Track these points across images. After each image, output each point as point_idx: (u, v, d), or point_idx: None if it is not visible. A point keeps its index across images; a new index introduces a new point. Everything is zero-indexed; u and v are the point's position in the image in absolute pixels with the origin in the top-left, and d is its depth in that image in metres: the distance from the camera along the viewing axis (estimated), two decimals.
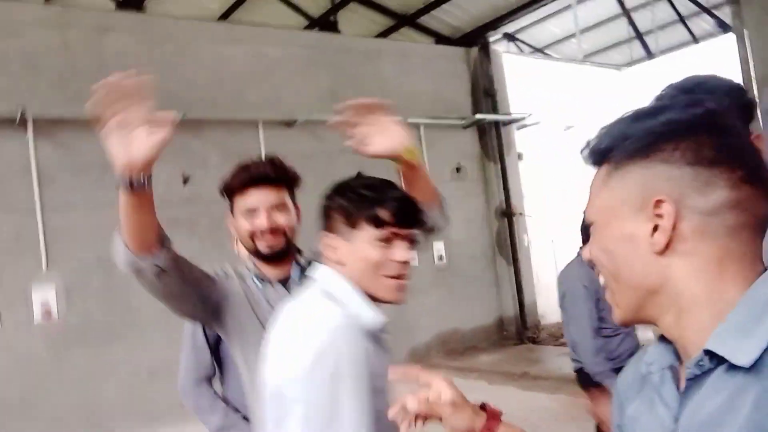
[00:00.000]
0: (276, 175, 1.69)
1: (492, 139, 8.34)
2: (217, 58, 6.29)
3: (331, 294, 1.21)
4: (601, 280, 0.77)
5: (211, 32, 6.49)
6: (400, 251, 1.22)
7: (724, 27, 10.98)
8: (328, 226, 1.26)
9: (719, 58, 9.62)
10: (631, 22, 11.32)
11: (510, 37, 11.90)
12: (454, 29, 8.39)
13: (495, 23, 8.27)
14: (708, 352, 0.62)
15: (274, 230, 1.63)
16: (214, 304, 1.61)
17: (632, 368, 0.81)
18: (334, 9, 7.67)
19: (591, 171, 0.77)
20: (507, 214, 8.27)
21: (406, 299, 1.26)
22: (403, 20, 8.10)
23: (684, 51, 10.95)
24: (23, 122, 5.16)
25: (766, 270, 0.65)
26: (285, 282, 1.66)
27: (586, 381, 2.78)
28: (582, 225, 3.00)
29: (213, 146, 5.80)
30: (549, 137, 9.17)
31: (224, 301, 1.62)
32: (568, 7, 10.80)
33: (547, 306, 8.09)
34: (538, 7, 8.16)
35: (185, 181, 5.42)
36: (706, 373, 0.63)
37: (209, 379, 2.01)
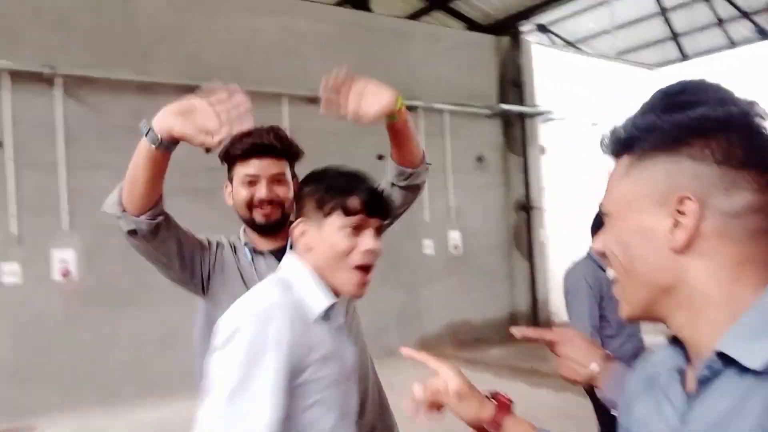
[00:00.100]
0: (282, 146, 1.69)
1: (516, 131, 8.25)
2: (247, 28, 6.28)
3: (285, 279, 1.24)
4: (610, 273, 0.75)
5: (243, 1, 6.47)
6: (368, 239, 1.24)
7: (762, 33, 10.72)
8: (300, 212, 1.29)
9: (756, 64, 9.41)
10: (668, 22, 11.08)
11: (543, 28, 11.72)
12: (486, 16, 8.28)
13: (528, 13, 8.14)
14: (719, 354, 0.62)
15: (272, 201, 1.64)
16: (205, 272, 1.63)
17: (640, 370, 0.80)
18: None
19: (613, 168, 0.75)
20: (526, 207, 8.22)
21: (364, 294, 1.28)
22: (436, 3, 8.01)
23: (720, 55, 10.72)
24: (51, 78, 5.20)
25: None
26: (277, 253, 1.65)
27: None
28: (593, 223, 2.98)
29: None
30: (574, 132, 9.06)
31: (216, 269, 1.64)
32: (604, 2, 10.60)
33: (561, 303, 8.02)
34: (574, 0, 8.01)
35: (207, 150, 5.40)
36: (716, 374, 0.63)
37: None
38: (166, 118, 1.31)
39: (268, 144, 1.66)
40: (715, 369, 0.62)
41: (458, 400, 1.00)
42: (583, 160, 8.64)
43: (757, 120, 0.67)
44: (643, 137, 0.69)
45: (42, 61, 5.13)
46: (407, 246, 7.19)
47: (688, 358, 0.71)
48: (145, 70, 5.55)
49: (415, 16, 8.10)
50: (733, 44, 11.30)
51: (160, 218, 1.49)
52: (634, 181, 0.70)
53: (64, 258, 5.24)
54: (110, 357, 5.34)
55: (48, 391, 5.05)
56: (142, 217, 1.45)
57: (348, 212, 1.22)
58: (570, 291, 2.93)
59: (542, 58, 8.86)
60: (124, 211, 1.44)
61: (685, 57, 11.36)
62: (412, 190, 1.69)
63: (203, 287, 1.65)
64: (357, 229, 1.23)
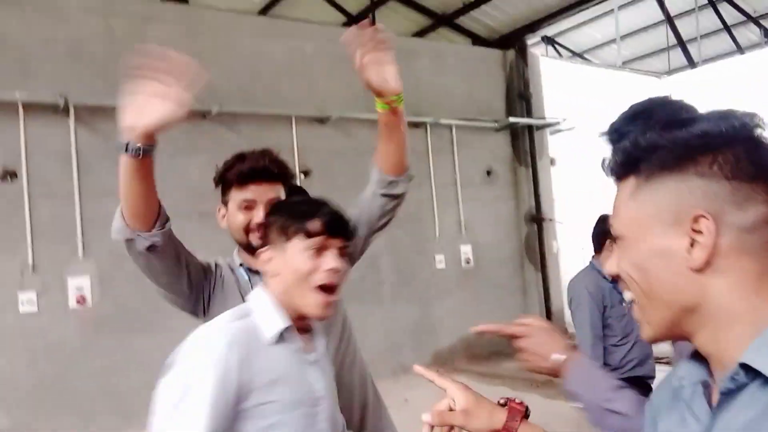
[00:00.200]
0: (278, 171, 1.71)
1: (524, 143, 8.25)
2: (255, 52, 6.36)
3: (245, 306, 1.31)
4: (627, 295, 0.75)
5: (251, 26, 6.56)
6: (330, 260, 1.27)
7: None
8: (266, 239, 1.33)
9: (764, 68, 9.37)
10: (674, 29, 11.07)
11: (549, 40, 11.77)
12: (492, 31, 8.33)
13: (533, 26, 8.18)
14: (743, 366, 0.61)
15: None
16: (206, 292, 1.66)
17: (666, 384, 0.79)
18: (373, 6, 7.68)
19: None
20: (537, 219, 8.18)
21: (330, 315, 1.32)
22: (441, 20, 8.07)
23: (727, 60, 10.68)
24: (66, 109, 5.28)
25: None
26: None
27: None
28: (593, 233, 3.00)
29: (247, 139, 5.86)
30: (583, 143, 9.04)
31: (216, 290, 1.66)
32: (609, 12, 10.63)
33: None
34: (578, 11, 8.05)
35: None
36: (740, 387, 0.62)
37: None
38: (132, 124, 1.31)
39: (265, 169, 1.68)
40: (739, 381, 0.62)
41: (466, 417, 0.99)
42: (593, 169, 8.57)
43: (759, 131, 0.66)
44: (647, 157, 0.69)
45: (54, 92, 5.22)
46: (419, 261, 7.17)
47: (711, 372, 0.70)
48: None
49: (421, 33, 8.16)
50: (740, 49, 11.26)
51: (169, 224, 1.51)
52: (643, 203, 0.69)
53: (79, 285, 5.28)
54: (126, 382, 5.35)
55: (65, 416, 5.06)
56: (154, 230, 1.47)
57: (309, 234, 1.26)
58: (573, 300, 2.97)
59: (549, 70, 8.88)
60: (134, 231, 1.46)
61: (692, 64, 11.33)
62: (392, 200, 1.70)
63: (204, 308, 1.67)
64: (319, 251, 1.27)
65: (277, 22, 6.88)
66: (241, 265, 1.71)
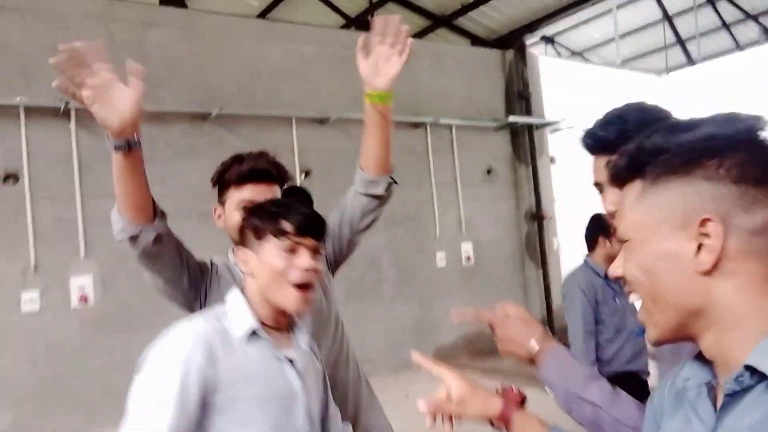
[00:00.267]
0: (277, 172, 1.73)
1: (524, 142, 8.27)
2: (255, 55, 6.38)
3: (220, 307, 1.36)
4: (632, 298, 0.75)
5: (250, 29, 6.58)
6: (303, 259, 1.31)
7: None
8: (242, 241, 1.38)
9: (763, 66, 9.37)
10: (673, 28, 11.08)
11: (548, 40, 11.77)
12: (491, 31, 8.34)
13: (532, 26, 8.18)
14: (749, 368, 0.61)
15: None
16: (202, 289, 1.68)
17: (668, 384, 0.80)
18: (372, 8, 7.70)
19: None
20: (537, 217, 8.20)
21: (308, 310, 1.36)
22: (440, 21, 8.09)
23: (727, 58, 10.69)
24: (66, 112, 5.32)
25: None
26: None
27: None
28: (586, 232, 3.05)
29: (247, 141, 5.89)
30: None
31: (212, 287, 1.69)
32: (608, 12, 10.63)
33: None
34: (577, 11, 8.05)
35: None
36: (745, 389, 0.62)
37: None
38: (109, 123, 1.33)
39: (264, 170, 1.70)
40: (744, 383, 0.62)
41: (461, 405, 1.01)
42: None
43: (765, 134, 0.67)
44: (653, 161, 0.69)
45: (55, 96, 5.25)
46: (420, 260, 7.19)
47: (715, 374, 0.70)
48: (156, 99, 5.66)
49: (420, 34, 8.18)
50: (739, 47, 11.26)
51: (166, 216, 1.55)
52: (650, 206, 0.69)
53: (81, 285, 5.32)
54: (128, 381, 5.32)
55: (67, 414, 5.09)
56: (156, 221, 1.50)
57: (281, 234, 1.30)
58: (566, 298, 3.02)
59: (548, 69, 8.89)
60: (137, 226, 1.49)
61: (691, 62, 11.33)
62: (373, 200, 1.71)
63: (201, 305, 1.69)
64: (293, 251, 1.31)
65: (275, 25, 6.91)
66: (236, 264, 1.73)
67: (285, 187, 1.80)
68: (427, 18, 8.04)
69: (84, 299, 5.31)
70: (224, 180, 1.73)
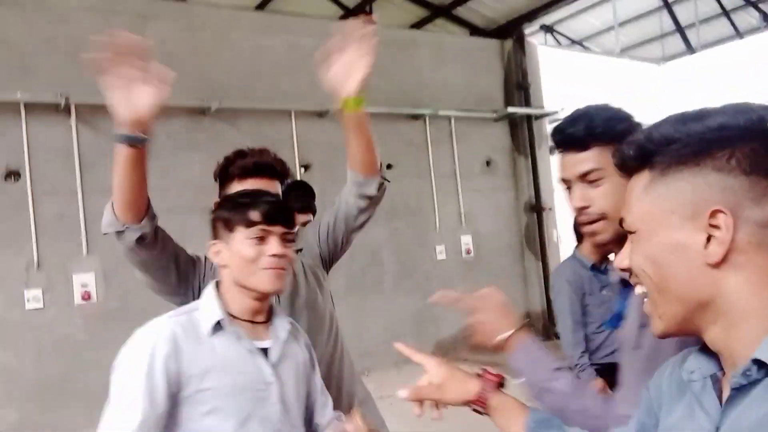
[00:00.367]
0: (279, 168, 1.75)
1: (523, 133, 8.26)
2: (254, 48, 6.37)
3: (195, 302, 1.41)
4: (638, 290, 0.74)
5: (249, 22, 6.57)
6: (273, 246, 1.34)
7: None
8: (213, 234, 1.41)
9: (764, 53, 9.34)
10: (672, 15, 11.03)
11: (547, 28, 11.73)
12: (490, 21, 8.31)
13: (531, 15, 8.15)
14: (756, 362, 0.61)
15: None
16: (196, 285, 1.69)
17: (668, 374, 0.79)
18: None
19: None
20: (536, 208, 8.21)
21: (284, 287, 1.39)
22: (439, 11, 8.06)
23: (727, 45, 10.64)
24: (67, 108, 5.32)
25: None
26: None
27: None
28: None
29: (247, 135, 5.89)
30: None
31: (205, 281, 1.69)
32: (607, 0, 10.59)
33: None
34: None
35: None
36: (752, 383, 0.62)
37: None
38: (125, 115, 1.38)
39: (268, 164, 1.72)
40: (751, 377, 0.61)
41: (440, 390, 1.02)
42: None
43: None
44: (662, 151, 0.68)
45: (55, 91, 5.25)
46: (420, 252, 7.21)
47: (721, 367, 0.70)
48: None
49: (419, 25, 8.14)
50: (739, 34, 11.22)
51: (156, 219, 1.56)
52: (659, 198, 0.68)
53: (84, 281, 5.34)
54: None
55: (72, 410, 5.11)
56: (144, 222, 1.51)
57: (250, 224, 1.34)
58: (554, 289, 3.07)
59: (547, 59, 8.87)
60: (123, 224, 1.51)
61: (691, 49, 11.29)
62: (365, 200, 1.73)
63: (194, 299, 1.70)
64: (262, 239, 1.34)
65: (274, 17, 6.89)
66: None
67: (288, 182, 1.82)
68: (425, 8, 8.01)
69: (87, 296, 5.34)
70: (228, 174, 1.74)
